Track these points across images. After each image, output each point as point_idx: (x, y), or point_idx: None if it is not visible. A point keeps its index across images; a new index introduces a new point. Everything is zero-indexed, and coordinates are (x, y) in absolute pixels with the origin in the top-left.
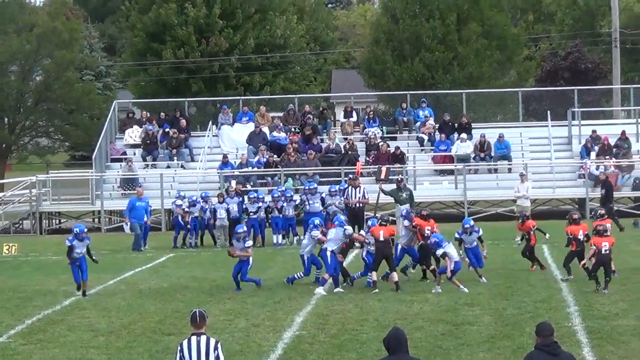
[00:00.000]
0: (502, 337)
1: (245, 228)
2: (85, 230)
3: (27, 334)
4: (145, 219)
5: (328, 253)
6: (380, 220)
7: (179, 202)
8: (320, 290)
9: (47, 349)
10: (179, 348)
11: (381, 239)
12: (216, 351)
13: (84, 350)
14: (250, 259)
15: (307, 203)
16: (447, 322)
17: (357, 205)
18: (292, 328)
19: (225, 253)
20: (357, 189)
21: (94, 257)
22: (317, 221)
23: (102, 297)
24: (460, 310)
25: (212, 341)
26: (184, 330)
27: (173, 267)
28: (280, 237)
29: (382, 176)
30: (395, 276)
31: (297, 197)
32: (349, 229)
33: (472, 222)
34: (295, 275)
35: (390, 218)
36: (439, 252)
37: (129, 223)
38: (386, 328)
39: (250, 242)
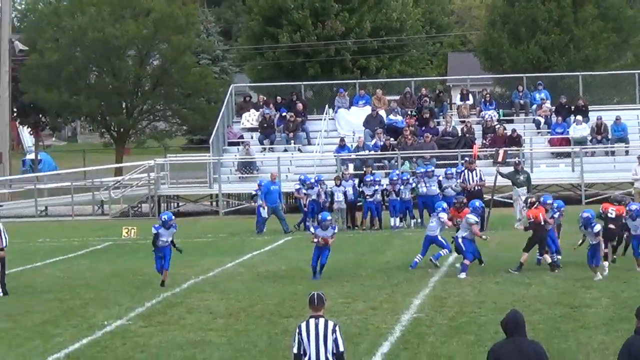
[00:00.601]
0: (620, 319)
1: (330, 217)
2: (173, 218)
3: (147, 317)
4: (279, 202)
5: (460, 240)
6: (536, 203)
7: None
8: (462, 275)
9: (167, 331)
10: (297, 330)
11: (540, 221)
12: (334, 334)
13: (203, 333)
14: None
15: (423, 185)
16: (564, 304)
17: (475, 188)
18: (410, 311)
19: (343, 237)
20: (474, 172)
21: (177, 247)
22: (444, 204)
23: (221, 279)
24: (578, 292)
25: (330, 324)
26: (302, 312)
27: (291, 250)
28: (397, 220)
29: (500, 159)
30: (547, 258)
31: (413, 180)
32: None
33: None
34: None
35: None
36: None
37: (266, 207)
38: (504, 311)
39: (335, 229)
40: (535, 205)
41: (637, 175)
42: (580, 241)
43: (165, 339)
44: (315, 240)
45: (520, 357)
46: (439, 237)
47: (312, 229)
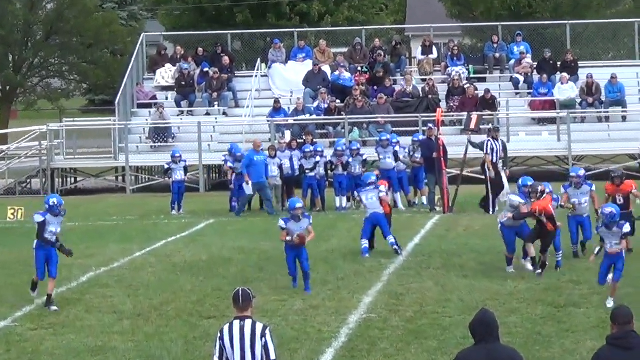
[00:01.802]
0: None
1: (300, 204)
2: (63, 203)
3: (36, 317)
4: (265, 177)
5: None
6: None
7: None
8: (526, 264)
9: (61, 335)
10: (219, 335)
11: (551, 212)
12: (264, 338)
13: (106, 337)
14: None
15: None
16: (547, 303)
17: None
18: (358, 310)
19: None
20: (499, 141)
21: (63, 248)
22: (373, 178)
23: (128, 272)
24: (564, 289)
25: (259, 326)
26: (227, 312)
27: (213, 235)
28: (344, 199)
29: (472, 125)
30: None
31: (365, 152)
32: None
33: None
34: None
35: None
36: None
37: (250, 182)
38: (473, 311)
39: (310, 219)
40: (542, 195)
41: None
42: (597, 248)
43: (59, 345)
44: (288, 238)
45: None
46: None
47: (280, 223)
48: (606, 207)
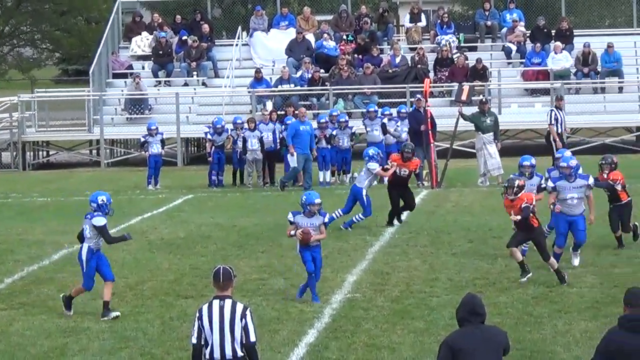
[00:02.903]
0: (610, 301)
1: (318, 199)
2: (112, 201)
3: (6, 297)
4: (311, 149)
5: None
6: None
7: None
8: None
9: (32, 315)
10: (197, 315)
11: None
12: (244, 319)
13: (79, 317)
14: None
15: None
16: (539, 282)
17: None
18: (342, 290)
19: (258, 195)
20: (563, 111)
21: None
22: (371, 151)
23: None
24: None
25: (239, 306)
26: (205, 292)
27: (192, 211)
28: (328, 173)
29: (464, 97)
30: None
31: (352, 124)
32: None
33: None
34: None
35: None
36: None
37: (295, 153)
38: (462, 290)
39: (327, 217)
40: (520, 192)
41: None
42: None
43: (29, 325)
44: (292, 232)
45: (484, 348)
46: (364, 194)
47: (289, 215)
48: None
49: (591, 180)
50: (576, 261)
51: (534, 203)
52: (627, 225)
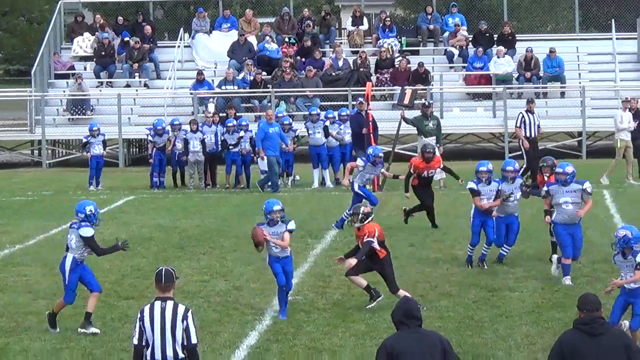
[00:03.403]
0: (551, 306)
1: (280, 206)
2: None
3: None
4: (284, 146)
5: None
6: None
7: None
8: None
9: None
10: (139, 316)
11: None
12: (185, 321)
13: (20, 317)
14: (289, 250)
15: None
16: (481, 287)
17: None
18: None
19: (199, 197)
20: (534, 115)
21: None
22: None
23: (44, 249)
24: (498, 272)
25: (181, 308)
26: (146, 293)
27: (133, 213)
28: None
29: (407, 100)
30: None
31: (294, 126)
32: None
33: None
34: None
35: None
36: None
37: (265, 157)
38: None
39: (292, 225)
40: (366, 219)
41: (624, 123)
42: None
43: None
44: (262, 239)
45: (421, 351)
46: (356, 188)
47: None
48: (622, 229)
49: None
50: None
51: (375, 236)
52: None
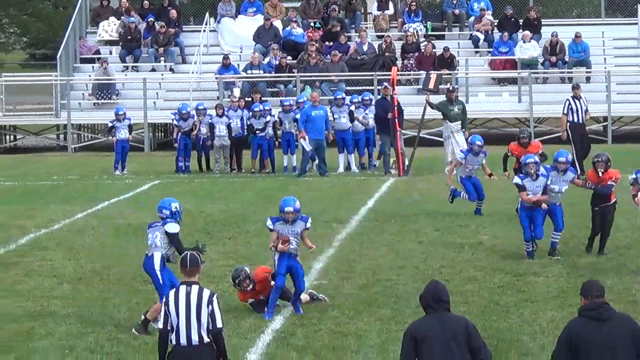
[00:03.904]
0: (576, 291)
1: (297, 202)
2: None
3: None
4: (326, 132)
5: None
6: None
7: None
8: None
9: None
10: (164, 300)
11: None
12: (210, 305)
13: (45, 301)
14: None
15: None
16: (506, 271)
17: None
18: (308, 277)
19: (225, 181)
20: (581, 100)
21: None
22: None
23: (69, 234)
24: (524, 257)
25: (206, 293)
26: None
27: (158, 197)
28: (294, 158)
29: (432, 85)
30: None
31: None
32: None
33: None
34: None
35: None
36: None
37: (307, 138)
38: (428, 279)
39: (308, 223)
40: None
41: None
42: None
43: None
44: (272, 244)
45: (445, 335)
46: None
47: (268, 223)
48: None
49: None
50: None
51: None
52: (608, 229)
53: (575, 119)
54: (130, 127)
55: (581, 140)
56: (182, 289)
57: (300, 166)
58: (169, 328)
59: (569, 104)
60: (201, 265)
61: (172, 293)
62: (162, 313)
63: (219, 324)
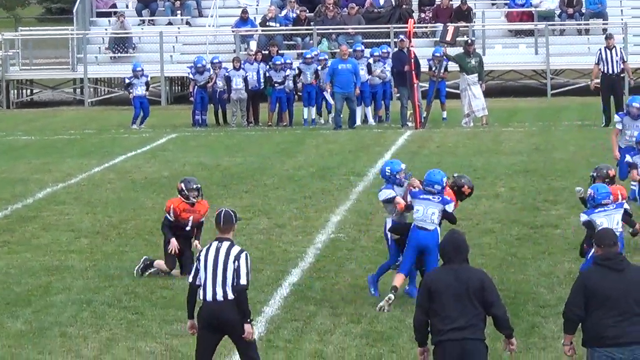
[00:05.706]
0: None
1: (404, 165)
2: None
3: None
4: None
5: None
6: None
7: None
8: None
9: (16, 253)
10: (197, 255)
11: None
12: (237, 262)
13: (62, 255)
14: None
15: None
16: (523, 223)
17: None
18: (326, 230)
19: (241, 134)
20: (613, 50)
21: None
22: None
23: (86, 188)
24: (541, 208)
25: (235, 249)
26: None
27: (175, 150)
28: (313, 110)
29: (449, 38)
30: None
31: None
32: None
33: None
34: None
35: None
36: None
37: (329, 90)
38: (444, 230)
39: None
40: None
41: None
42: None
43: (13, 263)
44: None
45: (459, 287)
46: None
47: (386, 193)
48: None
49: None
50: None
51: None
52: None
53: (606, 70)
54: (148, 84)
55: (610, 91)
56: (214, 244)
57: (334, 122)
58: (197, 283)
59: (600, 54)
60: (235, 223)
61: (205, 248)
62: (194, 268)
63: (243, 281)
